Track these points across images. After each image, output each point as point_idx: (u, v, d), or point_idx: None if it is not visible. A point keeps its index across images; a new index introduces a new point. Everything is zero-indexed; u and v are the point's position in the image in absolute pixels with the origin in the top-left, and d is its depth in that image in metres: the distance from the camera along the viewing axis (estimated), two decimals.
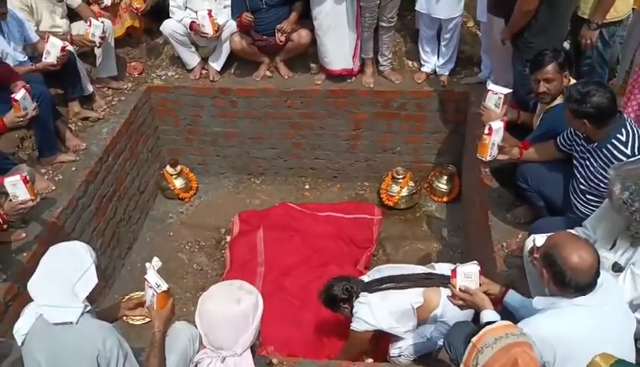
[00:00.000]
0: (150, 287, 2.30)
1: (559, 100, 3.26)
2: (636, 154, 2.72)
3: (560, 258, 2.06)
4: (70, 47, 4.20)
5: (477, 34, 4.97)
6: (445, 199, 5.03)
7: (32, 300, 2.20)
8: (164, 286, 2.30)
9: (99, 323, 2.22)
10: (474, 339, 1.88)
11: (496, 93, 3.39)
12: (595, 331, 2.07)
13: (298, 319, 3.94)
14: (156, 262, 2.36)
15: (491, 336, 1.84)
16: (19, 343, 2.18)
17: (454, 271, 2.50)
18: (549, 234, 2.33)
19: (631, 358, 2.16)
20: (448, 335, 2.65)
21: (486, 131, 3.13)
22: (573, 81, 3.25)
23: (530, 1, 3.39)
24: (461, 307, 2.49)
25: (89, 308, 2.20)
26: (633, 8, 3.91)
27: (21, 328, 2.17)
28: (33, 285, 2.17)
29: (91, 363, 2.10)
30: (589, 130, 2.83)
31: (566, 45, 3.97)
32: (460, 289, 2.45)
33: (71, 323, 2.10)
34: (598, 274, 2.08)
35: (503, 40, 3.79)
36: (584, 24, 3.75)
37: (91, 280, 2.18)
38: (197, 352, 2.38)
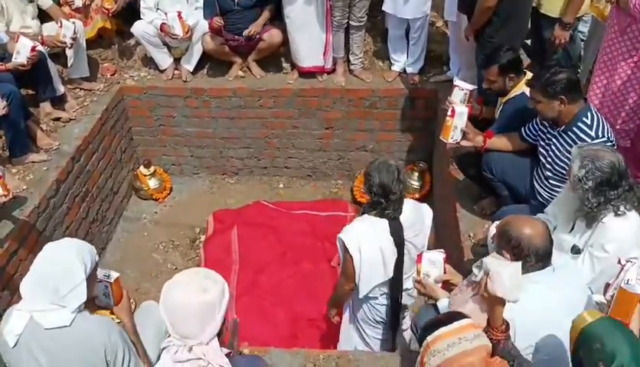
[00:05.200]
0: (99, 281, 2.27)
1: (516, 91, 3.38)
2: (600, 135, 2.82)
3: (514, 231, 2.15)
4: (40, 48, 4.19)
5: (445, 33, 5.06)
6: (417, 195, 5.07)
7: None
8: (115, 274, 2.30)
9: (97, 318, 2.17)
10: (429, 338, 1.81)
11: (462, 89, 3.48)
12: (552, 311, 2.09)
13: (273, 316, 3.98)
14: None
15: (444, 342, 1.76)
16: (10, 344, 2.05)
17: (419, 255, 2.57)
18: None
19: None
20: (416, 318, 2.71)
21: (449, 113, 3.20)
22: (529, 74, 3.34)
23: None
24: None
25: (82, 306, 2.11)
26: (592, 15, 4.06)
27: (15, 328, 2.05)
28: (24, 287, 2.09)
29: (99, 357, 2.09)
30: (563, 109, 2.86)
31: (527, 42, 4.08)
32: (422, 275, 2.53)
33: (65, 326, 2.05)
34: (552, 242, 2.17)
35: (467, 36, 3.90)
36: (556, 24, 3.81)
37: (80, 296, 2.07)
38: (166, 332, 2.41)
